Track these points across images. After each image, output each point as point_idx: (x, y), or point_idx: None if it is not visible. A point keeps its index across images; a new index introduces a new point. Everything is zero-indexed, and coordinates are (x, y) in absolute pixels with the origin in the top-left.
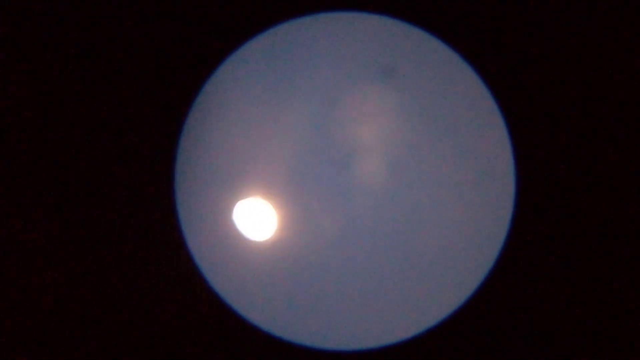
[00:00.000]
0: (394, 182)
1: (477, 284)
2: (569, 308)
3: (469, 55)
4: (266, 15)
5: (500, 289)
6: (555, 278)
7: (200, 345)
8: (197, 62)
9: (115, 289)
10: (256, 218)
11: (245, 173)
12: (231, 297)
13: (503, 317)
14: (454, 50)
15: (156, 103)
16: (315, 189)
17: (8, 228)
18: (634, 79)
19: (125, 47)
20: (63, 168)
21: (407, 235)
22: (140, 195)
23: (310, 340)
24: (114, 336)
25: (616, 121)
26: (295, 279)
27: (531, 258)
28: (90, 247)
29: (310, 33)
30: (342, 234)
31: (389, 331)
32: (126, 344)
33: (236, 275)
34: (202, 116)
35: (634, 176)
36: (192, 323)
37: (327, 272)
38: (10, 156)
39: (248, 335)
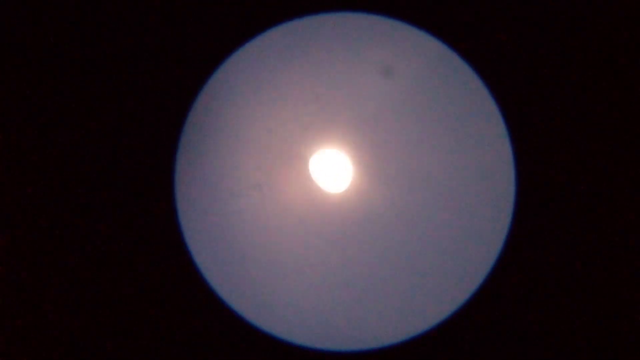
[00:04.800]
0: (393, 181)
1: (477, 284)
2: (569, 308)
3: (469, 55)
4: (266, 15)
5: (500, 289)
6: (555, 278)
7: (200, 346)
8: (197, 62)
9: (114, 289)
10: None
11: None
12: (230, 297)
13: (503, 317)
14: (454, 51)
15: (156, 103)
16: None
17: (8, 227)
18: (634, 78)
19: (126, 47)
20: (63, 168)
21: (406, 236)
22: (140, 195)
23: (310, 341)
24: (113, 336)
25: (616, 121)
26: (295, 279)
27: (531, 258)
28: (89, 247)
29: (309, 33)
30: (340, 234)
31: (389, 331)
32: (126, 343)
33: (236, 276)
34: (202, 116)
35: (633, 176)
36: (191, 323)
37: (327, 272)
38: (10, 156)
39: (247, 336)
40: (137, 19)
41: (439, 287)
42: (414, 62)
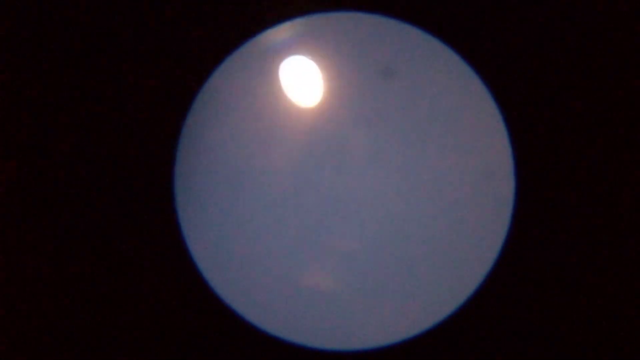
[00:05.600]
0: (393, 182)
1: (477, 284)
2: (569, 308)
3: (469, 56)
4: (266, 15)
5: (500, 289)
6: (555, 278)
7: (200, 346)
8: (196, 62)
9: (114, 290)
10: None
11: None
12: (231, 297)
13: (503, 318)
14: (454, 51)
15: (156, 104)
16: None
17: (7, 228)
18: (634, 78)
19: (126, 47)
20: (63, 168)
21: (406, 236)
22: (140, 196)
23: (310, 341)
24: (113, 336)
25: (616, 120)
26: (295, 278)
27: (531, 258)
28: (89, 248)
29: (309, 33)
30: (341, 233)
31: (389, 331)
32: (127, 344)
33: (236, 276)
34: (201, 117)
35: (634, 176)
36: (192, 324)
37: (327, 271)
38: (10, 156)
39: (247, 336)
40: (136, 20)
41: (439, 287)
42: (413, 63)
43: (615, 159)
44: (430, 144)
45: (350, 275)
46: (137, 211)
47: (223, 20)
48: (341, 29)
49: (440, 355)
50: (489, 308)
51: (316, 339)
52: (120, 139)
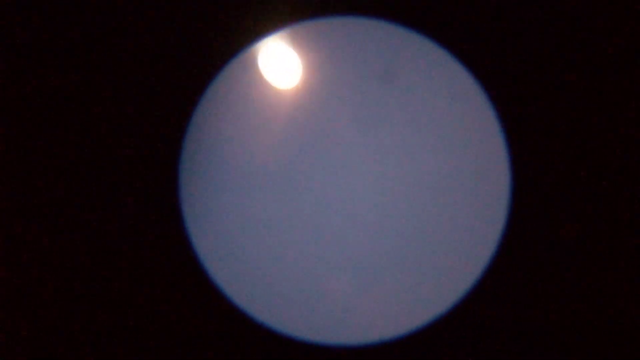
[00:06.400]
0: (392, 182)
1: (472, 283)
2: (565, 307)
3: (466, 58)
4: (268, 19)
5: (496, 288)
6: (551, 276)
7: (204, 344)
8: (201, 64)
9: (120, 290)
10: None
11: None
12: (235, 294)
13: (498, 316)
14: (451, 54)
15: (160, 105)
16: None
17: (10, 228)
18: (632, 79)
19: (130, 48)
20: (68, 169)
21: (402, 234)
22: (145, 197)
23: (309, 336)
24: (118, 337)
25: (612, 120)
26: (297, 274)
27: (526, 257)
28: (93, 248)
29: (310, 37)
30: (340, 232)
31: (385, 328)
32: (130, 345)
33: (240, 273)
34: (205, 118)
35: (631, 175)
36: (196, 322)
37: (326, 268)
38: (13, 157)
39: (250, 332)
40: (141, 21)
41: (435, 285)
42: (411, 66)
43: (611, 158)
44: (427, 145)
45: (348, 272)
46: (143, 212)
47: (226, 23)
48: (340, 33)
49: (436, 353)
50: (484, 306)
51: (315, 334)
52: (125, 140)
